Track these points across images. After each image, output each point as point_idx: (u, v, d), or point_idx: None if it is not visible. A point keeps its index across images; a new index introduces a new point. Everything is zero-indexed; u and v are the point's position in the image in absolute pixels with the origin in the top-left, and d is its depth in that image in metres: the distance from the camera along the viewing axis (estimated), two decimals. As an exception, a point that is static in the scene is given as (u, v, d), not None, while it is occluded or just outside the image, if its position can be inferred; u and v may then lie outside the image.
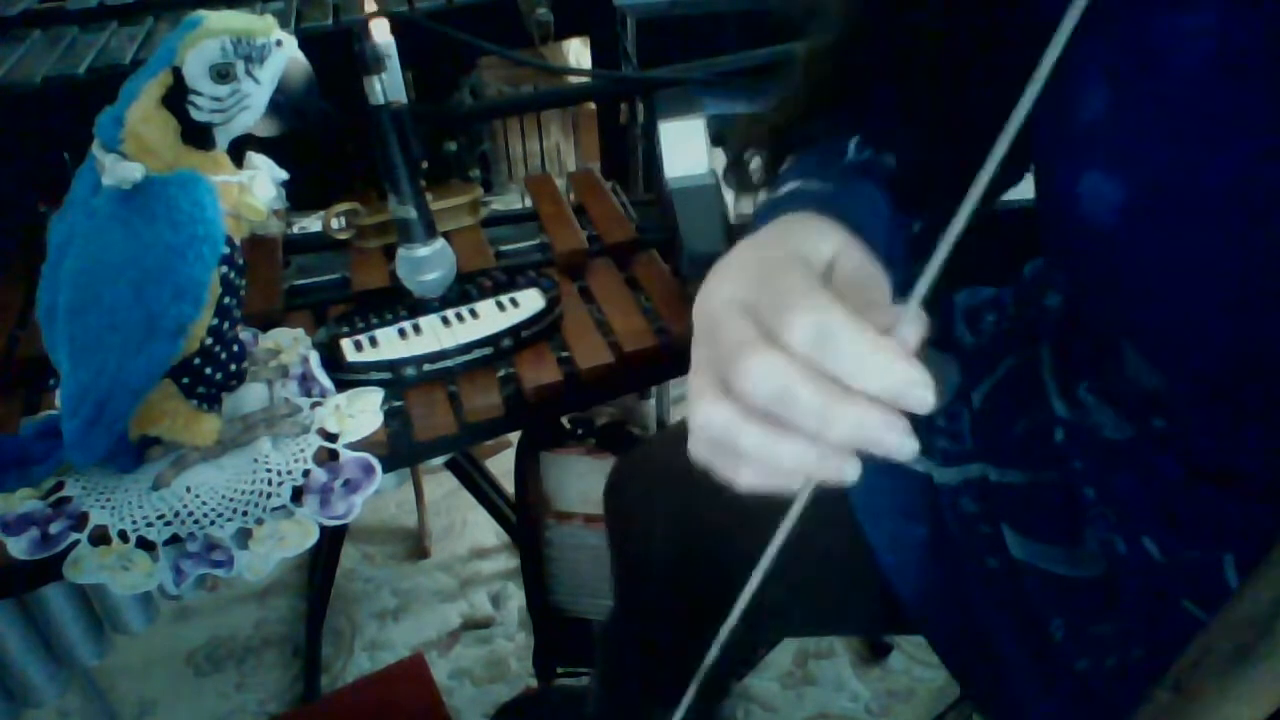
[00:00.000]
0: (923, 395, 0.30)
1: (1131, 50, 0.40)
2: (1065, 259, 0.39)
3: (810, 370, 0.31)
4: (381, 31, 0.74)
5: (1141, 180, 0.40)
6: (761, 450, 0.33)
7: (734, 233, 0.84)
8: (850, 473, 0.32)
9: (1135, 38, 0.40)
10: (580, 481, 0.98)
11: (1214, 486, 0.47)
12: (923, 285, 0.31)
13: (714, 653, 0.40)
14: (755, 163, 0.58)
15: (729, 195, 0.83)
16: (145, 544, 0.66)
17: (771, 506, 0.35)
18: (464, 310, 0.80)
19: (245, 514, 0.67)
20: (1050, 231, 0.49)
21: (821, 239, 0.38)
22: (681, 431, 0.75)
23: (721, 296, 0.35)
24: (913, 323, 0.31)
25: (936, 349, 0.32)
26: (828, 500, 0.34)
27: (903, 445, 0.31)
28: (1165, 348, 0.45)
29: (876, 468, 0.32)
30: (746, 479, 0.35)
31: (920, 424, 0.31)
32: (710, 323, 0.35)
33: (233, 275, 0.64)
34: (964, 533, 0.60)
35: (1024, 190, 0.99)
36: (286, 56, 0.61)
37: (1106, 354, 0.53)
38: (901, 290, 0.39)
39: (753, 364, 0.32)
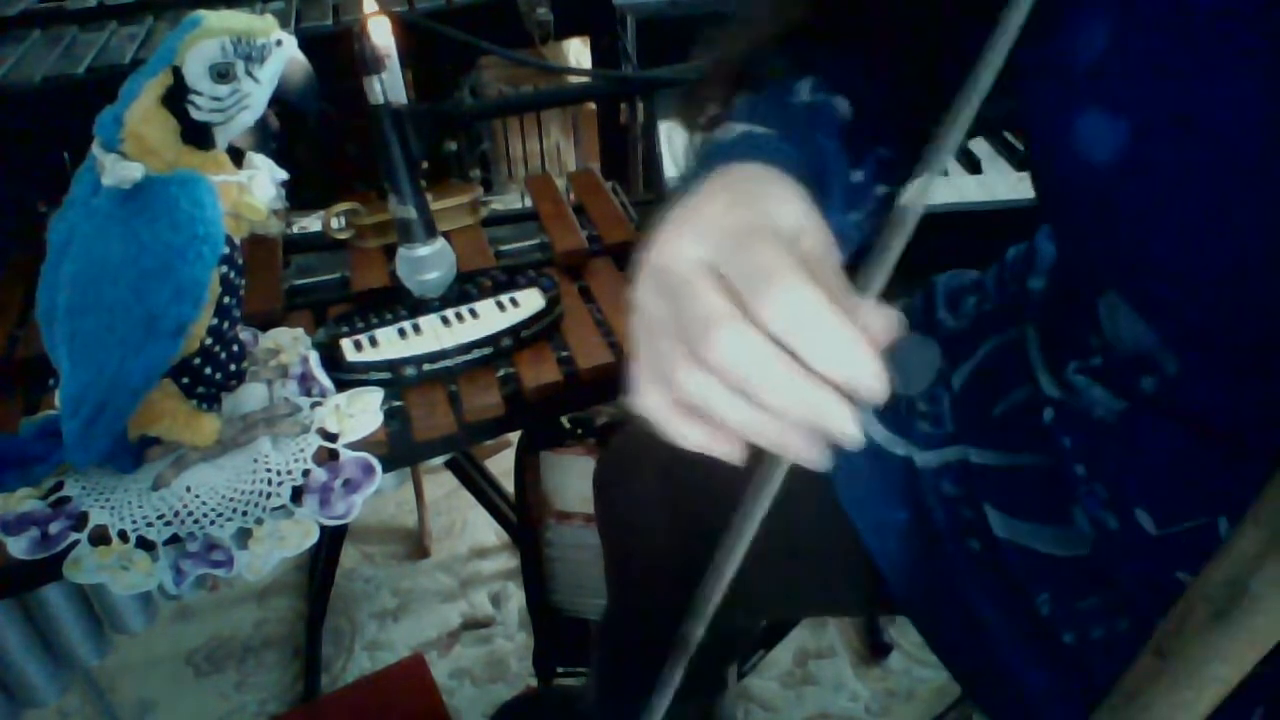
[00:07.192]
0: (878, 390, 0.32)
1: None
2: (1059, 204, 0.38)
3: (779, 349, 0.32)
4: (381, 31, 0.74)
5: (1145, 118, 0.39)
6: (735, 417, 0.34)
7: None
8: (812, 453, 0.33)
9: None
10: (580, 481, 0.98)
11: (1207, 449, 0.47)
12: (877, 279, 0.33)
13: (699, 629, 0.41)
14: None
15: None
16: (145, 544, 0.66)
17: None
18: (464, 310, 0.80)
19: (245, 514, 0.67)
20: (1043, 176, 0.48)
21: (788, 206, 0.38)
22: None
23: (688, 256, 0.35)
24: (879, 316, 0.32)
25: (919, 331, 0.33)
26: (812, 483, 0.33)
27: (854, 435, 0.32)
28: (1160, 297, 0.44)
29: (858, 453, 0.32)
30: (696, 439, 0.36)
31: (900, 408, 0.31)
32: (675, 282, 0.35)
33: (233, 275, 0.64)
34: (946, 516, 0.60)
35: (1014, 191, 1.00)
36: (286, 56, 0.61)
37: (1093, 321, 0.52)
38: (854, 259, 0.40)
39: (726, 339, 0.32)
